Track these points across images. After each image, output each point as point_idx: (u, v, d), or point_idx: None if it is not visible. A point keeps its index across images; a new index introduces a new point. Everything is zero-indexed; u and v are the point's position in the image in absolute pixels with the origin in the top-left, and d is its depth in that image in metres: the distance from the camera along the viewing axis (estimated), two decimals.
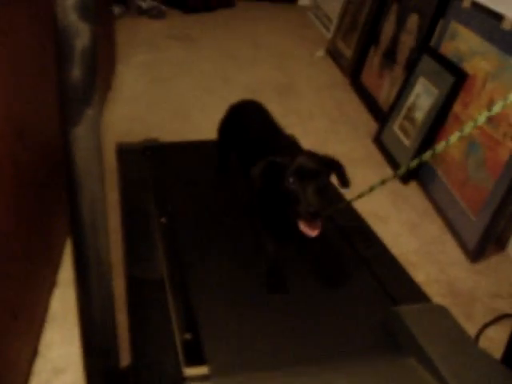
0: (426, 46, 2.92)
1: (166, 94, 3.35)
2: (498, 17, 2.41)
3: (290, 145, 1.83)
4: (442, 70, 2.68)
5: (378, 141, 3.04)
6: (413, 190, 2.69)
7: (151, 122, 3.00)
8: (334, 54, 4.26)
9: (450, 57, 2.68)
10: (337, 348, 1.43)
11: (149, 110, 3.15)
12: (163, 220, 1.91)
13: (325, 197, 1.55)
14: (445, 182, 2.52)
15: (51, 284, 1.89)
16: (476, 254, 2.23)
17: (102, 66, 2.63)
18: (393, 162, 2.85)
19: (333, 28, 4.48)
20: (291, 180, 1.53)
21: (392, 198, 2.59)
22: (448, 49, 2.73)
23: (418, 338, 1.34)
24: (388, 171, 2.81)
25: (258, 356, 1.42)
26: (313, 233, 1.56)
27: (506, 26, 2.36)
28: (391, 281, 1.70)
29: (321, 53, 4.30)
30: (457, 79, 2.55)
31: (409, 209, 2.53)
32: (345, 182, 1.61)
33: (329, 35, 4.61)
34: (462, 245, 2.29)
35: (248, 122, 2.00)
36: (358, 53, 3.84)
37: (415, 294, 1.66)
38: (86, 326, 0.98)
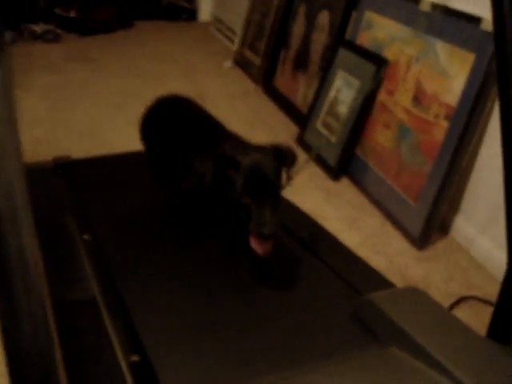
0: (341, 40, 2.84)
1: (71, 115, 3.12)
2: (415, 0, 2.36)
3: (235, 138, 1.64)
4: (361, 61, 2.60)
5: (302, 141, 2.93)
6: (345, 185, 2.59)
7: (58, 144, 2.77)
8: (242, 63, 4.15)
9: (368, 46, 2.61)
10: (310, 350, 1.27)
11: (54, 131, 2.90)
12: (86, 237, 1.71)
13: (278, 213, 1.39)
14: (378, 173, 2.43)
15: None
16: (421, 241, 2.14)
17: None
18: (319, 159, 2.74)
19: (238, 38, 4.38)
20: (243, 191, 1.36)
21: (325, 195, 2.48)
22: (365, 39, 2.67)
23: (400, 323, 1.20)
24: (315, 170, 2.70)
25: (219, 370, 1.24)
26: (263, 253, 1.40)
27: (424, 7, 2.31)
28: (350, 272, 1.56)
29: (229, 64, 4.18)
30: (378, 67, 2.48)
31: (345, 204, 2.42)
32: (291, 163, 1.47)
33: (234, 47, 4.50)
34: (406, 234, 2.20)
35: (179, 117, 1.82)
36: (267, 59, 3.74)
37: (377, 281, 1.53)
38: (14, 357, 0.75)
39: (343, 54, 2.76)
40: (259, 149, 1.45)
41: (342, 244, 1.74)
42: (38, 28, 4.36)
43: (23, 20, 4.35)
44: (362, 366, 1.14)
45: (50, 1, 4.88)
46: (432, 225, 2.13)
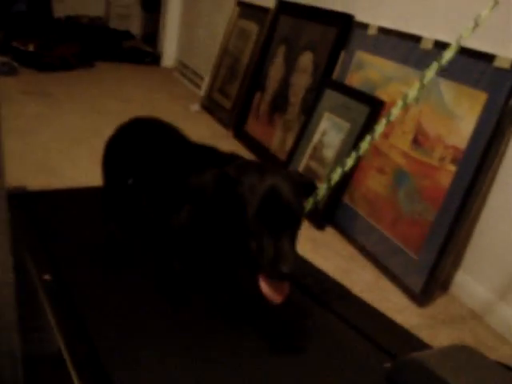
0: (327, 81, 2.66)
1: (26, 147, 2.82)
2: (415, 38, 2.21)
3: (235, 158, 1.37)
4: (351, 102, 2.42)
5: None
6: (331, 235, 2.36)
7: (11, 175, 2.45)
8: (210, 107, 3.94)
9: (360, 87, 2.43)
10: None
11: (9, 163, 2.58)
12: (47, 277, 1.42)
13: (296, 250, 1.13)
14: (370, 222, 2.21)
15: None
16: (423, 297, 1.92)
17: None
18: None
19: (206, 82, 4.19)
20: (257, 219, 1.09)
21: (312, 245, 2.24)
22: (355, 80, 2.49)
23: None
24: None
25: None
26: (278, 298, 1.13)
27: (425, 45, 2.15)
28: (374, 329, 1.31)
29: (196, 107, 3.97)
30: (372, 109, 2.29)
31: (334, 255, 2.19)
32: (316, 199, 1.24)
33: (200, 92, 4.31)
34: (405, 289, 1.98)
35: (154, 141, 1.56)
36: (240, 102, 3.54)
37: (406, 340, 1.28)
38: None
39: (330, 96, 2.57)
40: (276, 171, 1.19)
41: (358, 297, 1.49)
42: None
43: None
44: None
45: (8, 33, 4.64)
46: (435, 279, 1.92)
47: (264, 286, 1.11)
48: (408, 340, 1.31)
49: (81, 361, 1.10)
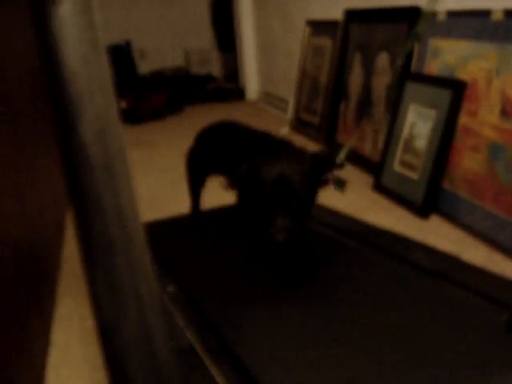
0: (407, 74, 2.68)
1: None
2: (484, 13, 2.21)
3: (279, 145, 1.60)
4: (434, 89, 2.43)
5: (379, 187, 2.73)
6: (437, 222, 2.36)
7: None
8: (299, 127, 4.04)
9: (439, 73, 2.44)
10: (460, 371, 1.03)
11: None
12: (170, 289, 1.54)
13: (299, 221, 1.38)
14: (473, 202, 2.20)
15: None
16: None
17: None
18: (403, 201, 2.52)
19: (291, 104, 4.29)
20: (266, 198, 1.37)
21: (420, 234, 2.25)
22: (433, 67, 2.50)
23: None
24: (400, 212, 2.48)
25: None
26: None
27: (496, 17, 2.15)
28: (492, 289, 1.33)
29: (285, 130, 4.07)
30: (455, 91, 2.29)
31: (442, 240, 2.19)
32: (331, 167, 1.42)
33: (287, 115, 4.42)
34: None
35: (229, 138, 1.81)
36: (326, 116, 3.61)
37: None
38: (116, 354, 0.55)
39: (412, 88, 2.60)
40: (293, 156, 1.45)
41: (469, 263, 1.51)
42: None
43: None
44: None
45: None
46: None
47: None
48: None
49: (212, 349, 1.19)
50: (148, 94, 4.94)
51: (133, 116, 4.70)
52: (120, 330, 0.52)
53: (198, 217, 2.11)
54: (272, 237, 1.35)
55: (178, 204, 2.73)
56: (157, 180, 3.20)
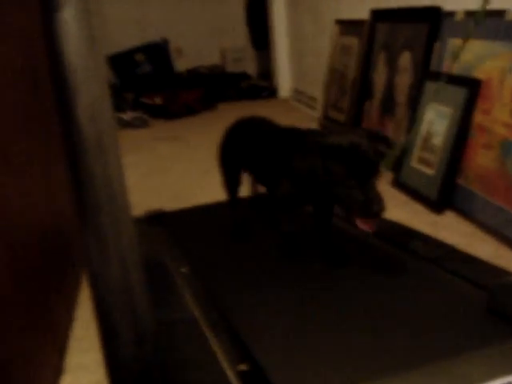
0: (426, 73, 2.75)
1: (161, 184, 3.15)
2: (499, 13, 2.27)
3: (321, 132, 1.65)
4: (450, 88, 2.50)
5: (398, 183, 2.81)
6: (451, 217, 2.43)
7: (151, 207, 2.75)
8: (327, 124, 4.12)
9: (457, 72, 2.51)
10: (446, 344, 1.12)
11: (146, 198, 2.91)
12: (183, 269, 1.66)
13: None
14: (485, 198, 2.26)
15: (57, 370, 1.55)
16: None
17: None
18: (419, 197, 2.60)
19: (320, 102, 4.38)
20: (348, 175, 1.34)
21: (433, 229, 2.31)
22: (451, 66, 2.57)
23: None
24: (416, 207, 2.56)
25: (335, 372, 1.10)
26: (371, 228, 1.34)
27: (510, 17, 2.21)
28: (475, 271, 1.41)
29: (313, 127, 4.16)
30: (470, 89, 2.36)
31: (453, 234, 2.25)
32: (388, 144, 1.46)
33: (317, 113, 4.50)
34: None
35: (259, 132, 1.82)
36: (352, 114, 3.69)
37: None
38: (101, 298, 0.67)
39: (431, 87, 2.66)
40: (352, 131, 1.48)
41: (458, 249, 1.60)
42: (126, 116, 4.52)
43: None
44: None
45: (137, 92, 5.10)
46: None
47: (360, 224, 1.31)
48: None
49: (213, 322, 1.30)
50: (182, 91, 5.08)
51: (167, 112, 4.85)
52: (104, 276, 0.63)
53: (234, 208, 2.11)
54: (368, 209, 1.30)
55: (204, 196, 2.86)
56: (184, 173, 3.32)
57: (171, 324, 1.30)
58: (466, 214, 2.38)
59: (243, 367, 1.12)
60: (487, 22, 2.35)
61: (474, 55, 2.41)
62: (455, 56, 2.42)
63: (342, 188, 1.34)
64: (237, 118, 2.08)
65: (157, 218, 2.17)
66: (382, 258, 1.66)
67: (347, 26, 3.96)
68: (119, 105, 4.75)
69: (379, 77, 3.35)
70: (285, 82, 5.63)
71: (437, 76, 2.64)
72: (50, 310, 1.55)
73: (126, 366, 0.71)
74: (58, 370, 1.54)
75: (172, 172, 3.36)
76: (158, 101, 4.87)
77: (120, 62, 5.81)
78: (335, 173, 1.34)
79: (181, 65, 6.50)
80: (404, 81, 3.05)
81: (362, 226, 1.36)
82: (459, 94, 2.42)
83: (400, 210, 2.55)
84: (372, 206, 1.30)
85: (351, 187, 1.32)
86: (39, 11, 0.66)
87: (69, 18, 0.64)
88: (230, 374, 1.08)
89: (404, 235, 1.78)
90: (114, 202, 0.67)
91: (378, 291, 1.44)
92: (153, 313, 0.70)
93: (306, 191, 1.54)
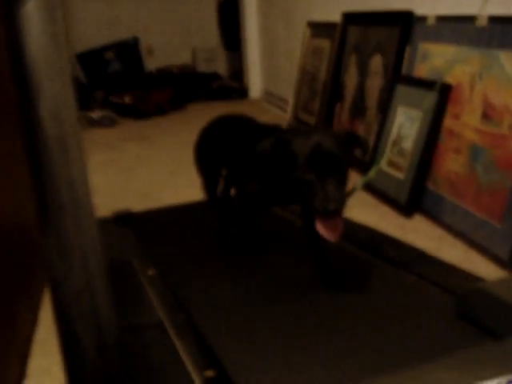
0: (397, 77, 2.76)
1: (129, 184, 3.12)
2: (470, 19, 2.28)
3: (296, 128, 1.65)
4: (421, 92, 2.51)
5: (368, 186, 2.81)
6: (419, 221, 2.43)
7: (118, 207, 2.71)
8: (297, 126, 4.11)
9: (427, 77, 2.52)
10: (410, 352, 1.11)
11: (114, 198, 2.88)
12: (150, 272, 1.63)
13: (344, 190, 1.31)
14: (454, 202, 2.27)
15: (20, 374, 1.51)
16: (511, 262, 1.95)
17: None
18: (389, 200, 2.60)
19: (291, 104, 4.37)
20: (305, 168, 1.29)
21: (401, 232, 2.32)
22: (423, 71, 2.58)
23: None
24: (385, 210, 2.56)
25: (302, 376, 1.09)
26: (333, 236, 1.30)
27: (481, 23, 2.22)
28: (441, 276, 1.41)
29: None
30: (440, 93, 2.37)
31: (422, 238, 2.26)
32: (365, 149, 1.43)
33: (288, 115, 4.50)
34: (493, 258, 2.02)
35: (234, 129, 1.81)
36: (322, 116, 3.69)
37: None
38: (62, 303, 0.64)
39: (401, 90, 2.68)
40: (320, 130, 1.45)
41: (426, 253, 1.60)
42: (95, 115, 4.46)
43: (80, 108, 4.46)
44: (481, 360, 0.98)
45: (107, 91, 5.04)
46: None
47: (320, 227, 1.29)
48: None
49: (179, 326, 1.28)
50: (152, 91, 5.03)
51: (136, 111, 4.80)
52: (66, 280, 0.61)
53: (214, 209, 2.08)
54: (325, 206, 1.24)
55: (172, 196, 2.83)
56: (152, 173, 3.29)
57: (136, 328, 1.28)
58: (434, 217, 2.39)
59: (210, 373, 1.10)
60: (458, 27, 2.36)
61: (445, 60, 2.42)
62: None
63: (301, 183, 1.31)
64: (214, 116, 2.07)
65: (124, 219, 2.13)
66: (349, 262, 1.65)
67: (319, 29, 3.96)
68: (88, 103, 4.69)
69: (350, 79, 3.36)
70: (256, 83, 5.62)
71: (407, 80, 2.65)
72: (13, 313, 1.51)
73: (88, 372, 0.68)
74: (20, 375, 1.50)
75: (140, 172, 3.32)
76: (127, 100, 4.81)
77: (90, 60, 5.73)
78: (296, 167, 1.32)
79: (151, 64, 6.45)
80: (375, 84, 3.06)
81: (325, 233, 1.31)
82: (429, 97, 2.43)
83: (369, 212, 2.55)
84: (326, 203, 1.24)
85: (311, 183, 1.28)
86: (0, 5, 0.63)
87: (31, 13, 0.61)
88: (197, 381, 1.06)
89: (372, 239, 1.77)
90: (77, 204, 0.64)
91: (346, 295, 1.43)
92: (116, 318, 0.67)
93: (273, 190, 1.53)
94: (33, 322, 1.72)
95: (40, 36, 0.62)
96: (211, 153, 1.95)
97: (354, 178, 1.54)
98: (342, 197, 1.29)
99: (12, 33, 0.62)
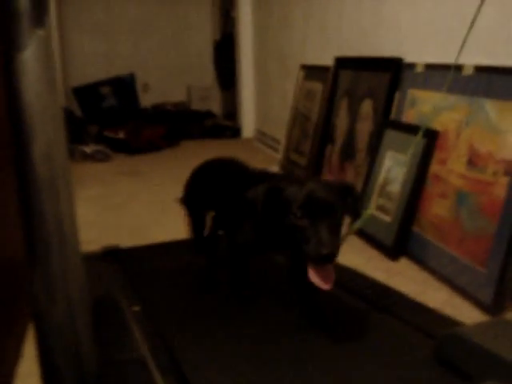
0: (386, 122, 2.82)
1: (120, 219, 3.13)
2: (457, 67, 2.34)
3: (288, 176, 1.66)
4: (409, 137, 2.56)
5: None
6: (405, 264, 2.46)
7: (108, 242, 2.73)
8: (288, 167, 4.16)
9: (415, 122, 2.57)
10: None
11: (104, 232, 2.89)
12: (136, 308, 1.65)
13: (338, 236, 1.32)
14: (439, 246, 2.30)
15: None
16: (495, 308, 1.97)
17: None
18: (376, 243, 2.63)
19: (282, 144, 4.43)
20: (299, 214, 1.31)
21: (386, 275, 2.34)
22: (411, 116, 2.64)
23: (500, 354, 1.05)
24: (372, 253, 2.59)
25: None
26: (326, 285, 1.31)
27: (466, 72, 2.28)
28: (420, 319, 1.43)
29: (275, 168, 4.20)
30: (427, 139, 2.42)
31: (408, 281, 2.28)
32: (356, 212, 1.43)
33: (279, 155, 4.55)
34: (477, 302, 2.04)
35: (224, 174, 1.83)
36: (313, 158, 3.74)
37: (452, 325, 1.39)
38: (45, 337, 0.66)
39: (390, 135, 2.73)
40: (313, 179, 1.49)
41: (408, 297, 1.62)
42: (88, 149, 4.50)
43: (74, 142, 4.50)
44: None
45: (101, 125, 5.09)
46: (504, 289, 1.97)
47: (312, 275, 1.30)
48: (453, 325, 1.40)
49: (162, 364, 1.29)
50: (146, 127, 5.09)
51: (130, 147, 4.84)
52: (49, 315, 0.63)
53: (200, 251, 2.10)
54: (318, 251, 1.24)
55: (162, 234, 2.84)
56: (144, 210, 3.31)
57: (119, 364, 1.29)
58: (420, 261, 2.41)
59: None
60: (445, 76, 2.42)
61: (432, 106, 2.48)
62: None
63: (294, 230, 1.31)
64: (205, 159, 2.09)
65: (112, 255, 2.16)
66: (333, 304, 1.67)
67: (312, 71, 4.04)
68: (82, 137, 4.73)
69: (341, 122, 3.41)
70: (249, 122, 5.68)
71: (395, 125, 2.71)
72: None
73: None
74: None
75: (131, 208, 3.34)
76: (121, 135, 4.86)
77: (85, 95, 5.80)
78: (289, 213, 1.32)
79: (147, 100, 6.52)
80: (365, 128, 3.11)
81: (318, 282, 1.30)
82: (417, 143, 2.47)
83: (355, 255, 2.57)
84: (319, 248, 1.24)
85: (305, 229, 1.29)
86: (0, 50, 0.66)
87: (30, 59, 0.65)
88: None
89: (356, 282, 1.80)
90: (64, 242, 0.66)
91: (327, 337, 1.45)
92: (98, 353, 0.69)
93: (264, 238, 1.53)
94: (17, 355, 1.72)
95: (36, 82, 0.65)
96: (200, 196, 1.97)
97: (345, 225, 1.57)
98: (336, 242, 1.29)
99: (10, 77, 0.65)
